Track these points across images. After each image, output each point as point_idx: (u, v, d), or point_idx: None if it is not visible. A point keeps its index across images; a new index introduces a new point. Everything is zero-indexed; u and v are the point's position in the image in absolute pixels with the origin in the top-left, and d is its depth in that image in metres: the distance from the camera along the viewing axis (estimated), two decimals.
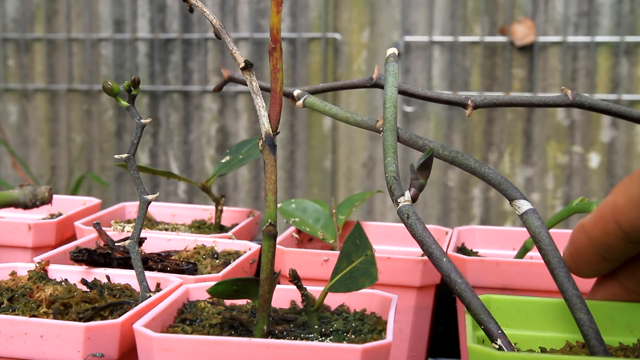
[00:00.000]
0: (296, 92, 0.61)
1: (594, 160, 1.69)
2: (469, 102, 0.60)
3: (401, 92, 0.62)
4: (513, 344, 0.45)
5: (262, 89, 0.55)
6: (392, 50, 0.59)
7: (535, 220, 0.45)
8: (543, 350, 0.45)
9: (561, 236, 0.63)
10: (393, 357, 0.62)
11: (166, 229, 0.76)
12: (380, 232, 0.74)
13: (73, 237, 0.73)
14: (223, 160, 0.76)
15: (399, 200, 0.47)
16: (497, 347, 0.41)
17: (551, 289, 0.52)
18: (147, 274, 0.55)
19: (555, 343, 0.46)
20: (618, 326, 0.46)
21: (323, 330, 0.48)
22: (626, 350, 0.45)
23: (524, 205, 0.46)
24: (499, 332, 0.42)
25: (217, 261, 0.64)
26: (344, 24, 1.74)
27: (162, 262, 0.60)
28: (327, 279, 0.49)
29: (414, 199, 0.47)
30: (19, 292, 0.53)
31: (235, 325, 0.48)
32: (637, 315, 0.46)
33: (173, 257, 0.63)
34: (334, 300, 0.53)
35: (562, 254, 0.47)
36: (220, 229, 0.77)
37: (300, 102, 0.57)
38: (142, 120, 0.54)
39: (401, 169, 1.62)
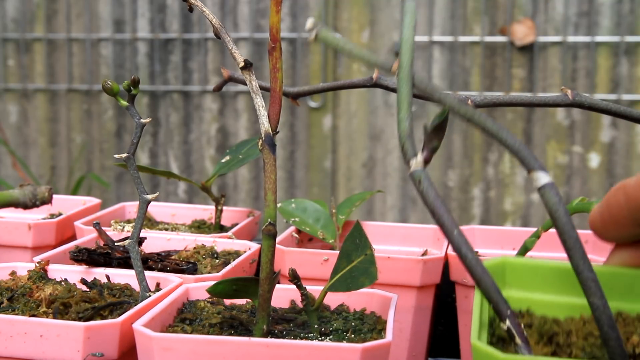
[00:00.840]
0: (308, 25, 0.59)
1: (594, 160, 1.69)
2: (469, 102, 0.60)
3: None
4: (527, 309, 0.44)
5: (262, 88, 0.55)
6: None
7: (553, 196, 0.42)
8: (556, 321, 0.44)
9: None
10: (393, 357, 0.62)
11: (166, 229, 0.76)
12: (380, 232, 0.74)
13: (73, 237, 0.73)
14: (223, 160, 0.76)
15: (411, 163, 0.45)
16: (506, 328, 0.41)
17: None
18: (147, 273, 0.55)
19: (570, 309, 0.44)
20: (638, 294, 0.44)
21: (323, 329, 0.48)
22: None
23: (542, 178, 0.42)
24: (509, 312, 0.40)
25: (217, 261, 0.64)
26: (344, 24, 1.74)
27: (162, 261, 0.60)
28: (327, 278, 0.49)
29: (426, 162, 0.45)
30: (18, 292, 0.53)
31: (235, 325, 0.48)
32: None
33: (173, 257, 0.63)
34: (333, 300, 0.53)
35: (590, 214, 0.45)
36: (220, 228, 0.77)
37: (312, 36, 0.55)
38: (142, 119, 0.54)
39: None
